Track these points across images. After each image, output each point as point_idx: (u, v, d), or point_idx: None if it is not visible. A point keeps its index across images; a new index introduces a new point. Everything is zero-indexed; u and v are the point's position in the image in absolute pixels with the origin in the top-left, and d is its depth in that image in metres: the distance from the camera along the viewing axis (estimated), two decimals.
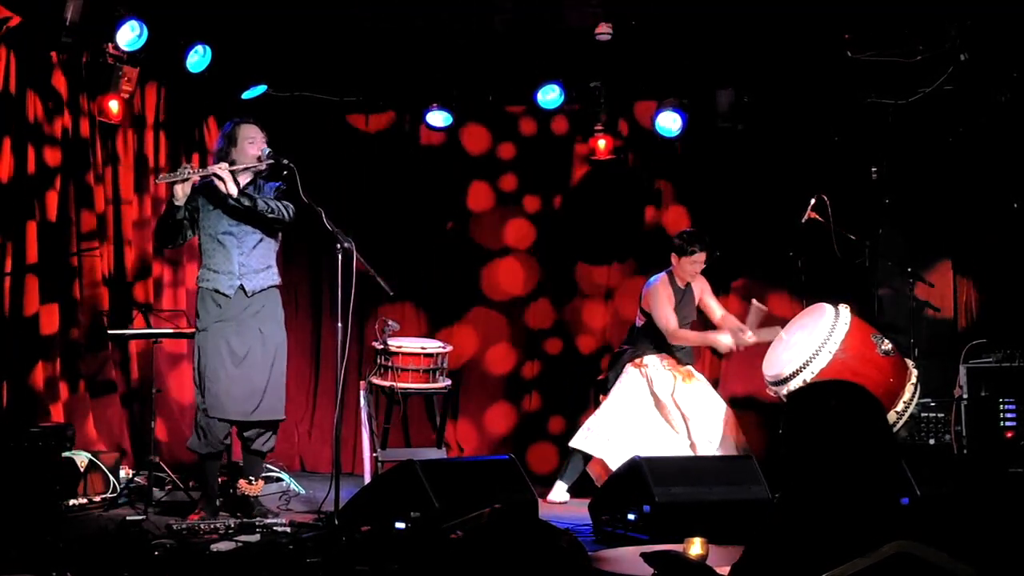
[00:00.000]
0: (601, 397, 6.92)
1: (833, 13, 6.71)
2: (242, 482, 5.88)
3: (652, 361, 6.74)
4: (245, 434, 5.83)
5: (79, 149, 6.80)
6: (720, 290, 7.60)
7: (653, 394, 6.67)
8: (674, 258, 6.81)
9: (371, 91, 8.15)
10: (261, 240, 5.80)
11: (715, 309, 6.92)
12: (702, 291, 6.92)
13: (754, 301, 6.74)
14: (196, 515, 5.64)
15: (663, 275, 6.84)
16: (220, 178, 5.61)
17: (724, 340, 6.65)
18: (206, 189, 5.73)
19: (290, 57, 7.53)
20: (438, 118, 8.14)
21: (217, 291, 5.70)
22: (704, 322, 7.09)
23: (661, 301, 6.71)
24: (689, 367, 6.85)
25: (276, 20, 6.93)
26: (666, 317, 6.67)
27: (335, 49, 7.50)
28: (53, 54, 6.55)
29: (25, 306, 6.40)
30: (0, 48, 6.25)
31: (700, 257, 6.76)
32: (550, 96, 7.97)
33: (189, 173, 5.64)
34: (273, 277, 5.85)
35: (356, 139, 8.40)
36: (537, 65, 7.80)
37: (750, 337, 6.60)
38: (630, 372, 6.77)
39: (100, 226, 6.98)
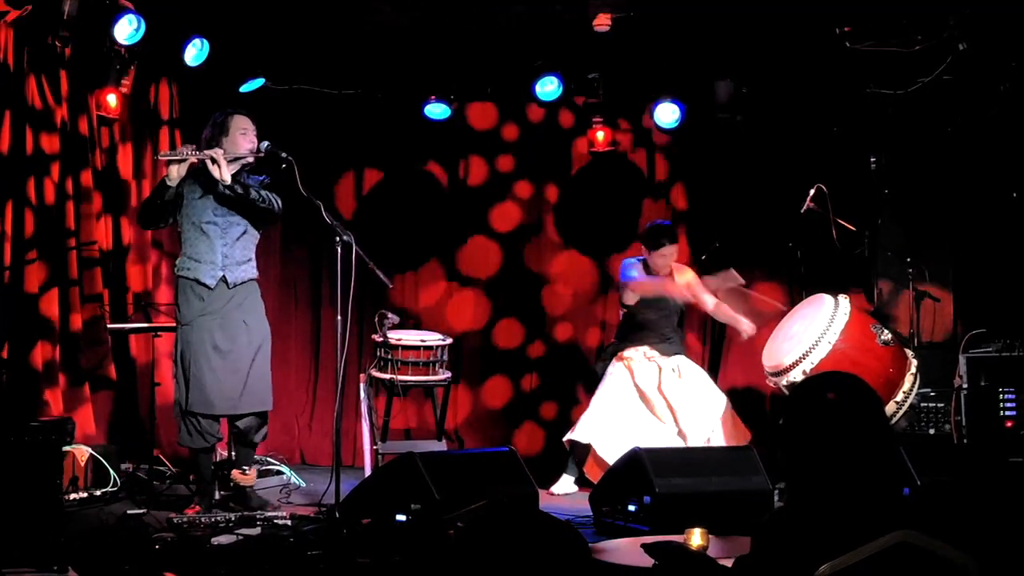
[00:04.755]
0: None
1: (832, 4, 6.69)
2: (236, 473, 5.88)
3: (634, 354, 6.70)
4: (238, 424, 5.82)
5: (77, 141, 6.78)
6: None
7: (636, 386, 6.65)
8: (644, 251, 6.76)
9: (369, 84, 8.13)
10: (245, 232, 5.78)
11: (707, 301, 6.72)
12: (688, 285, 6.73)
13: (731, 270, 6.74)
14: (192, 509, 5.65)
15: (637, 262, 6.76)
16: (215, 162, 5.60)
17: (673, 287, 6.60)
18: (198, 175, 5.71)
19: (288, 50, 7.52)
20: (436, 110, 8.13)
21: (198, 281, 5.67)
22: (701, 317, 7.08)
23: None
24: (679, 357, 6.78)
25: (274, 13, 6.92)
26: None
27: (333, 42, 7.48)
28: (52, 46, 6.53)
29: (25, 283, 6.38)
30: None
31: (668, 251, 6.64)
32: (548, 88, 7.95)
33: (188, 153, 5.63)
34: (253, 271, 5.84)
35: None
36: (535, 57, 7.79)
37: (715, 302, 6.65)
38: (615, 366, 6.76)
39: (99, 220, 6.97)
